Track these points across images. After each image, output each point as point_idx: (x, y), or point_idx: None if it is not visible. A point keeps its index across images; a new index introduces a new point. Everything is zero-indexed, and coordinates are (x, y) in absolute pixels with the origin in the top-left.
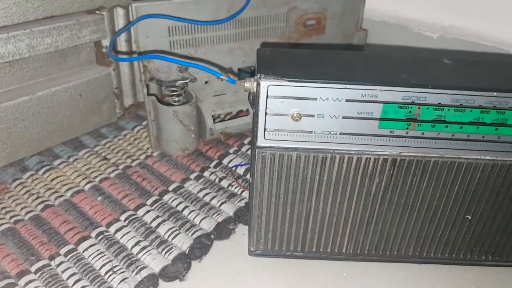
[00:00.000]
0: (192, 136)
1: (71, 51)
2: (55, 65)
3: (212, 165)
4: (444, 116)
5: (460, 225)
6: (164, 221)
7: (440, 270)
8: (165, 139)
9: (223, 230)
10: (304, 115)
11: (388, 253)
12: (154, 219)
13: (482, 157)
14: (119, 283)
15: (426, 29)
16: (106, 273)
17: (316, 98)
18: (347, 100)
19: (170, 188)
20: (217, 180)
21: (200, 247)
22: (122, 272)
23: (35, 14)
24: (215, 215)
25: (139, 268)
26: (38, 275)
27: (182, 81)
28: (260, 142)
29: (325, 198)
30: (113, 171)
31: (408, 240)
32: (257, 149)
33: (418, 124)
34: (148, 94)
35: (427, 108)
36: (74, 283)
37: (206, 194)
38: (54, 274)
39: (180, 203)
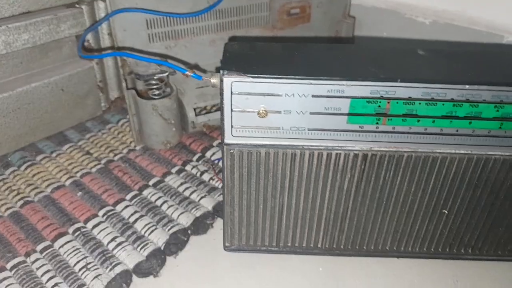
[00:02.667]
0: (173, 130)
1: (52, 46)
2: (36, 61)
3: (194, 158)
4: (415, 110)
5: (437, 220)
6: (141, 216)
7: (418, 264)
8: (147, 133)
9: (200, 225)
10: (270, 111)
11: (364, 247)
12: (132, 215)
13: (457, 151)
14: (92, 280)
15: (418, 14)
16: (80, 269)
17: (282, 94)
18: (313, 96)
19: (151, 183)
20: (198, 174)
21: (176, 243)
22: (96, 269)
23: (10, 10)
24: (193, 209)
25: (113, 264)
26: (13, 272)
27: (160, 75)
28: (228, 139)
29: (297, 193)
30: (95, 165)
31: (385, 235)
32: (225, 147)
33: (389, 119)
34: (128, 88)
35: (397, 102)
36: (48, 280)
37: (187, 188)
38: (28, 271)
39: (159, 198)
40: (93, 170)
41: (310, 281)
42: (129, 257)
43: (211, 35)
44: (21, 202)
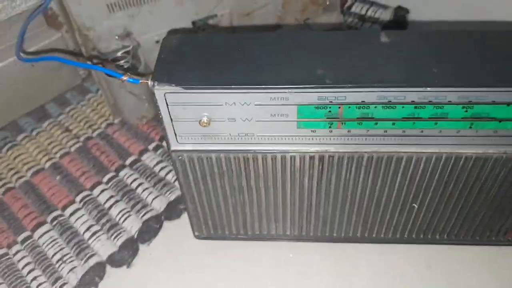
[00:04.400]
0: (146, 105)
1: (14, 19)
2: (3, 35)
3: None
4: (371, 114)
5: (407, 212)
6: (117, 201)
7: (391, 249)
8: (121, 108)
9: (173, 210)
10: (213, 119)
11: (334, 234)
12: (108, 200)
13: (423, 151)
14: (67, 273)
15: None
16: (57, 262)
17: (222, 104)
18: (256, 104)
19: (127, 162)
20: None
21: (149, 231)
22: (71, 261)
23: None
24: (167, 193)
25: (87, 256)
26: None
27: (123, 50)
28: (174, 146)
29: (257, 192)
30: (74, 144)
31: (354, 224)
32: (172, 153)
33: (342, 123)
34: (94, 64)
35: (349, 107)
36: (28, 273)
37: (163, 168)
38: (10, 265)
39: (135, 179)
40: (72, 149)
41: (281, 267)
42: (103, 248)
43: None
44: (3, 189)
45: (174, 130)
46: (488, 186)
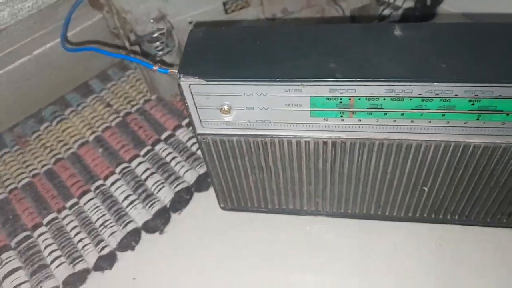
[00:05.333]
0: None
1: (61, 1)
2: (49, 18)
3: None
4: (380, 105)
5: (418, 194)
6: (152, 173)
7: (403, 226)
8: (156, 86)
9: (203, 183)
10: (233, 108)
11: (349, 211)
12: (144, 172)
13: (432, 139)
14: (108, 237)
15: None
16: (99, 226)
17: (241, 94)
18: (271, 96)
19: (163, 137)
20: None
21: (180, 201)
22: (112, 226)
23: None
24: (198, 166)
25: (125, 222)
26: (48, 227)
27: (158, 33)
28: (199, 130)
29: (275, 172)
30: (115, 118)
31: (367, 204)
32: (198, 136)
33: (353, 113)
34: (131, 45)
35: (359, 99)
36: (75, 235)
37: (194, 143)
38: (60, 227)
39: (170, 153)
40: (113, 123)
41: (299, 239)
42: (139, 215)
43: None
44: (54, 159)
45: (198, 116)
46: (498, 173)
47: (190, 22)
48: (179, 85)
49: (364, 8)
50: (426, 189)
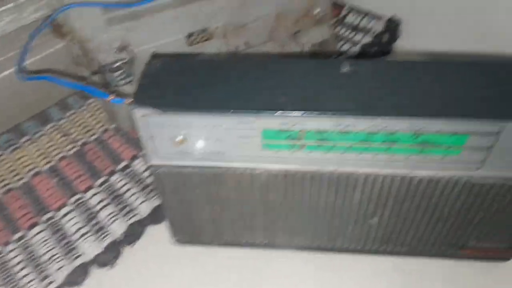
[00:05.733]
0: None
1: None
2: (11, 43)
3: None
4: (328, 138)
5: (368, 227)
6: (106, 205)
7: (354, 258)
8: (115, 116)
9: (158, 215)
10: (188, 139)
11: (302, 244)
12: (98, 203)
13: (379, 172)
14: (56, 271)
15: None
16: (47, 260)
17: (195, 126)
18: (225, 127)
19: (120, 167)
20: None
21: (133, 234)
22: (60, 260)
23: None
24: (154, 197)
25: (75, 256)
26: None
27: (118, 63)
28: (153, 161)
29: (229, 203)
30: (72, 148)
31: (320, 236)
32: (151, 167)
33: (303, 146)
34: (92, 74)
35: (309, 132)
36: (20, 270)
37: (151, 174)
38: (3, 262)
39: (125, 184)
40: (70, 153)
41: (252, 272)
42: (90, 248)
43: (174, 11)
44: (4, 189)
45: (151, 147)
46: (443, 205)
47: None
48: (132, 115)
49: (324, 44)
50: (375, 220)
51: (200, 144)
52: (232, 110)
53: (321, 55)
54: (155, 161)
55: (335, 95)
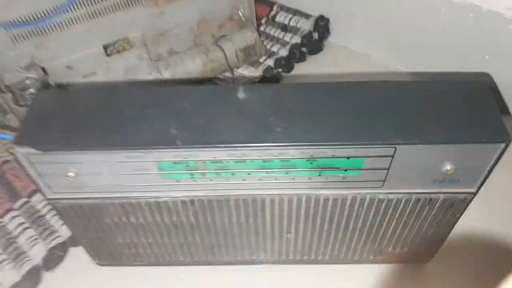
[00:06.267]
0: None
1: None
2: None
3: None
4: (226, 167)
5: (286, 241)
6: (26, 228)
7: (278, 269)
8: None
9: None
10: (79, 174)
11: (224, 258)
12: (18, 226)
13: (283, 193)
14: None
15: None
16: None
17: (83, 162)
18: (115, 161)
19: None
20: None
21: (54, 258)
22: None
23: None
24: None
25: None
26: None
27: (27, 81)
28: (49, 195)
29: (138, 230)
30: None
31: (239, 249)
32: (50, 201)
33: (204, 174)
34: (2, 92)
35: (204, 162)
36: None
37: None
38: None
39: (46, 205)
40: None
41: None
42: (6, 279)
43: (86, 24)
44: None
45: (43, 182)
46: (354, 219)
47: (67, 67)
48: (16, 155)
49: (249, 48)
50: (290, 236)
51: (93, 178)
52: (117, 147)
53: (217, 80)
54: (52, 195)
55: (227, 125)
